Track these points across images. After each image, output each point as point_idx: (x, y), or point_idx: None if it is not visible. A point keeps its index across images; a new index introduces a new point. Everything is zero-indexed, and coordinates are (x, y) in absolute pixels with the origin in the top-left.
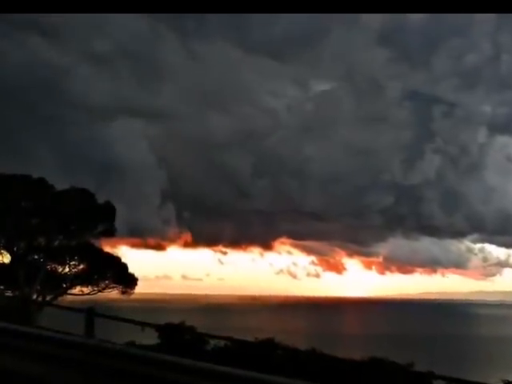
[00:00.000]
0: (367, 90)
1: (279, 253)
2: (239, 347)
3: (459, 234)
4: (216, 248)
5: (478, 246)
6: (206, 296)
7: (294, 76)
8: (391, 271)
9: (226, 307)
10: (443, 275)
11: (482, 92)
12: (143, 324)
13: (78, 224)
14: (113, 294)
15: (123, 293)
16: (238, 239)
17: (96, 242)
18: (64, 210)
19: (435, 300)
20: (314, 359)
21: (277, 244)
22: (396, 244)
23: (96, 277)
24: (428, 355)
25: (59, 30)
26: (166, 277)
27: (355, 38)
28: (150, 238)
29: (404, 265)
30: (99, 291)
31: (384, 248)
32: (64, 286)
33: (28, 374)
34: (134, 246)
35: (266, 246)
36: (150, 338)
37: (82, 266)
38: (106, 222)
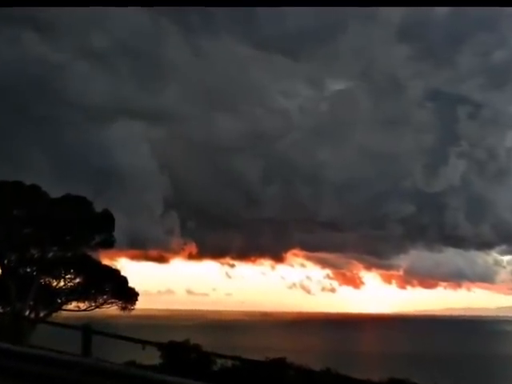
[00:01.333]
0: (386, 90)
1: (291, 265)
2: (248, 367)
3: (486, 246)
4: (223, 260)
5: (507, 258)
6: (213, 312)
7: (308, 74)
8: (412, 285)
9: (234, 324)
10: (469, 290)
11: (511, 91)
12: (144, 342)
13: (74, 234)
14: (111, 309)
15: (123, 309)
16: (247, 251)
17: (93, 254)
18: (59, 219)
19: (460, 316)
20: (329, 380)
21: (289, 256)
22: (418, 256)
23: (93, 291)
24: (452, 377)
25: (54, 25)
26: (169, 291)
27: (373, 34)
28: (152, 249)
29: (426, 278)
30: (97, 307)
31: (405, 260)
32: (59, 301)
33: None
34: (134, 258)
35: (278, 258)
36: (152, 357)
37: (78, 280)
38: (104, 232)
